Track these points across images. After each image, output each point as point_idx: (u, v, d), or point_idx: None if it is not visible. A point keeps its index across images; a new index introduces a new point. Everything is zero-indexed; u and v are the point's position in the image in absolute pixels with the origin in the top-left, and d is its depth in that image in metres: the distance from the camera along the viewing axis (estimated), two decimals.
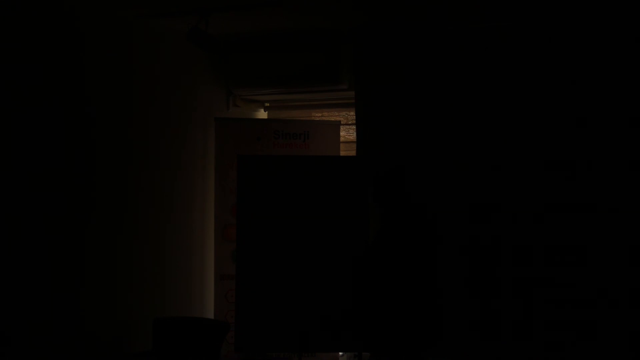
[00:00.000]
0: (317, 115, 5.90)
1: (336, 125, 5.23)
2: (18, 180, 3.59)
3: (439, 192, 4.43)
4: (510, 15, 4.31)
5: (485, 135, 4.39)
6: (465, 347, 4.33)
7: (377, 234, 3.69)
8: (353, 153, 5.04)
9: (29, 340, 3.60)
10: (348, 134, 5.64)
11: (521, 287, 4.24)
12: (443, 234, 4.35)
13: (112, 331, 4.22)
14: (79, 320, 3.96)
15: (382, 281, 3.55)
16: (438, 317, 3.58)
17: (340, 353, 5.04)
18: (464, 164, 4.41)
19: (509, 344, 4.25)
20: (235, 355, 4.75)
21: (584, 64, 4.21)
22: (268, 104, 5.66)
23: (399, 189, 3.66)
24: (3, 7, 3.49)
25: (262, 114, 5.70)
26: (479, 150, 4.39)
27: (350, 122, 5.65)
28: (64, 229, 3.88)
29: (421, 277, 3.53)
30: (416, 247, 3.60)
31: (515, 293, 4.24)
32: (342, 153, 5.29)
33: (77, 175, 4.00)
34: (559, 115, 4.24)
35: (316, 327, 4.15)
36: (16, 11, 3.58)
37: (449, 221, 4.37)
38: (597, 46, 4.18)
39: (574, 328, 4.13)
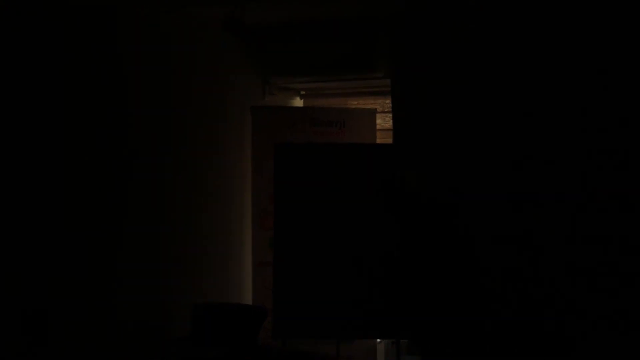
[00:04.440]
0: (353, 103, 5.89)
1: (372, 113, 5.22)
2: (63, 173, 3.65)
3: (476, 181, 4.39)
4: None
5: (530, 123, 4.26)
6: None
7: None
8: (389, 140, 5.03)
9: (70, 324, 3.67)
10: (384, 121, 5.62)
11: (562, 276, 4.19)
12: (480, 223, 4.32)
13: (152, 316, 4.29)
14: (119, 305, 4.03)
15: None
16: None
17: (378, 340, 5.05)
18: (504, 153, 4.32)
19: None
20: (274, 341, 4.80)
21: None
22: (304, 92, 5.67)
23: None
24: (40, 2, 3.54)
25: (298, 102, 5.71)
26: (521, 138, 4.28)
27: (386, 110, 5.63)
28: (105, 218, 3.95)
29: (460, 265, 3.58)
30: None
31: (558, 281, 4.19)
32: (379, 141, 5.28)
33: (117, 166, 4.06)
34: (613, 102, 4.07)
35: (355, 314, 4.17)
36: (53, 5, 3.62)
37: (486, 210, 4.33)
38: None
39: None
